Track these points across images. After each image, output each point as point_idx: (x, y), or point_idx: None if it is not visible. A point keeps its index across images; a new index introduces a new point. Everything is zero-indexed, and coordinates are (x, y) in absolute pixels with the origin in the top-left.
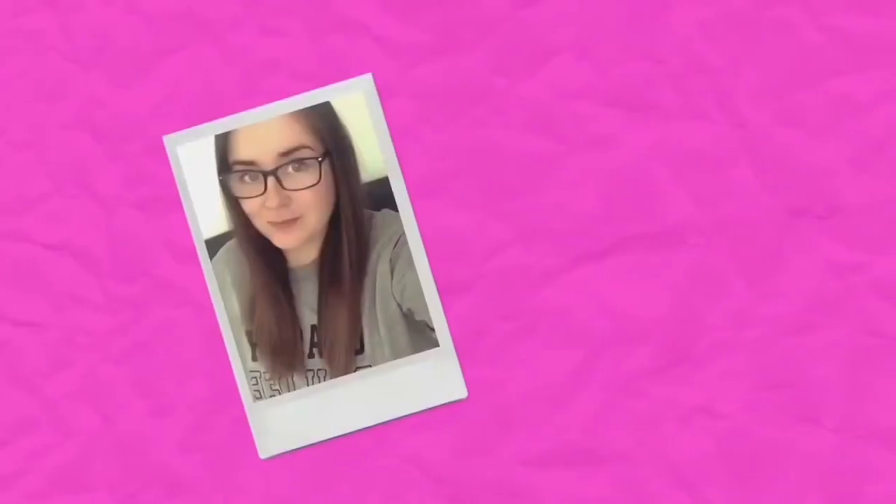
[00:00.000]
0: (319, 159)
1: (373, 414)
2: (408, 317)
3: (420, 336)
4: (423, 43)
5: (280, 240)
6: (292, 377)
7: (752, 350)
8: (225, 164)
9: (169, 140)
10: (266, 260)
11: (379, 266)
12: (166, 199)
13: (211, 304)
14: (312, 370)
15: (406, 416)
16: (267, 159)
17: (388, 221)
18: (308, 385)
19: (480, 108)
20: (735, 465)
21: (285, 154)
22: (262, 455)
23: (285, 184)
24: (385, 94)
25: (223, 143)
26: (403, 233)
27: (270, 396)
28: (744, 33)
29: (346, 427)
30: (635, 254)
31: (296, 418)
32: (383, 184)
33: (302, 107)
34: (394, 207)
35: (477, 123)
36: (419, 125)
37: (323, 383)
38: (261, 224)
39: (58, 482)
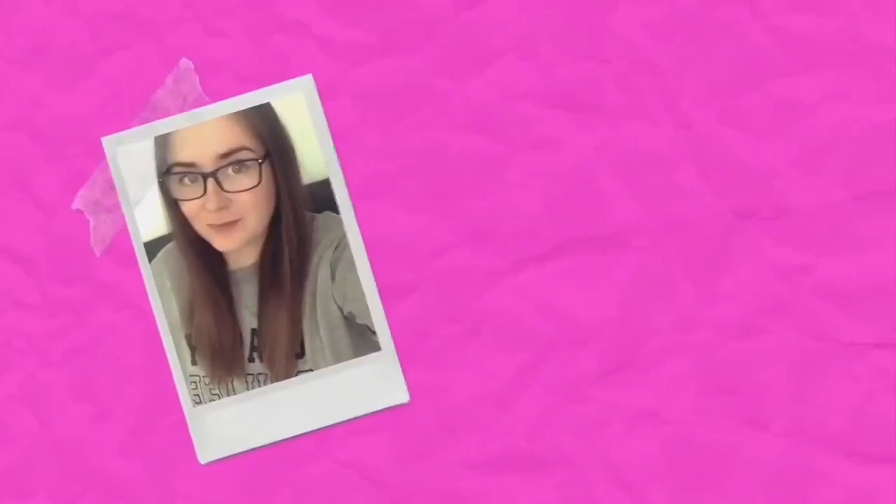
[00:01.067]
0: (259, 161)
1: (314, 418)
2: (349, 320)
3: (361, 340)
4: (365, 44)
5: (220, 242)
6: (232, 381)
7: (698, 354)
8: (164, 166)
9: (108, 142)
10: (205, 262)
11: (320, 269)
12: None
13: (150, 308)
14: (252, 374)
15: (347, 420)
16: (206, 161)
17: (329, 224)
18: (248, 389)
19: (423, 110)
20: (681, 470)
21: (225, 156)
22: (202, 460)
23: (225, 186)
24: (326, 94)
25: (163, 145)
26: (345, 235)
27: (210, 401)
28: (689, 34)
29: (286, 432)
30: (581, 256)
31: (236, 423)
32: (324, 185)
33: (242, 108)
34: (335, 209)
35: (420, 125)
36: (361, 126)
37: (263, 388)
38: (200, 226)
39: None
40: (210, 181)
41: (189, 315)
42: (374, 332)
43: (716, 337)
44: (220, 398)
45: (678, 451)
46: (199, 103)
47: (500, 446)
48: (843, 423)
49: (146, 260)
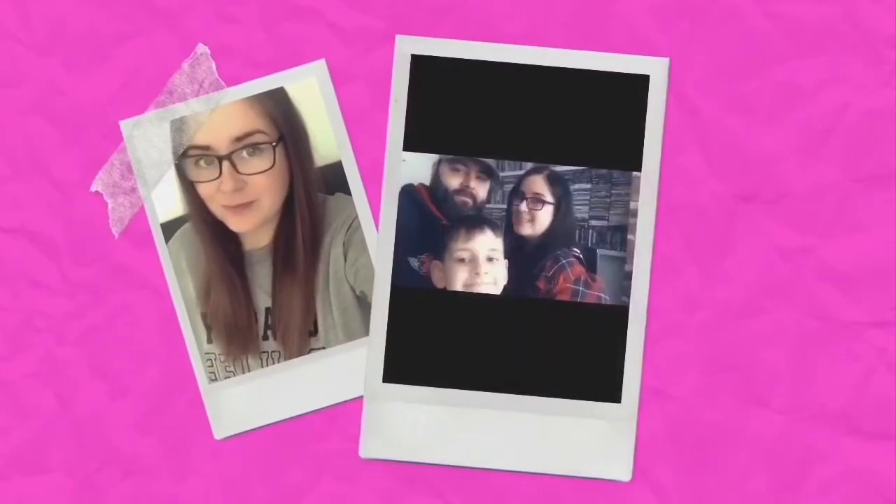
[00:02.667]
0: (273, 144)
1: (326, 395)
2: (361, 300)
3: None
4: (375, 29)
5: (235, 223)
6: (247, 359)
7: (701, 333)
8: (180, 149)
9: (126, 125)
10: (221, 243)
11: (332, 249)
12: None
13: (167, 288)
14: (267, 352)
15: (359, 397)
16: (221, 144)
17: (341, 205)
18: (262, 367)
19: None
20: (684, 447)
21: (240, 139)
22: (217, 436)
23: (240, 168)
24: (338, 79)
25: (179, 129)
26: (356, 217)
27: (225, 378)
28: (693, 20)
29: (299, 408)
30: None
31: (250, 399)
32: (337, 168)
33: (256, 92)
34: (347, 192)
35: None
36: (372, 110)
37: (277, 365)
38: (216, 208)
39: (15, 463)
40: (225, 164)
41: (205, 294)
42: None
43: (718, 317)
44: (234, 375)
45: (681, 429)
46: (215, 88)
47: None
48: (843, 401)
49: (163, 241)
